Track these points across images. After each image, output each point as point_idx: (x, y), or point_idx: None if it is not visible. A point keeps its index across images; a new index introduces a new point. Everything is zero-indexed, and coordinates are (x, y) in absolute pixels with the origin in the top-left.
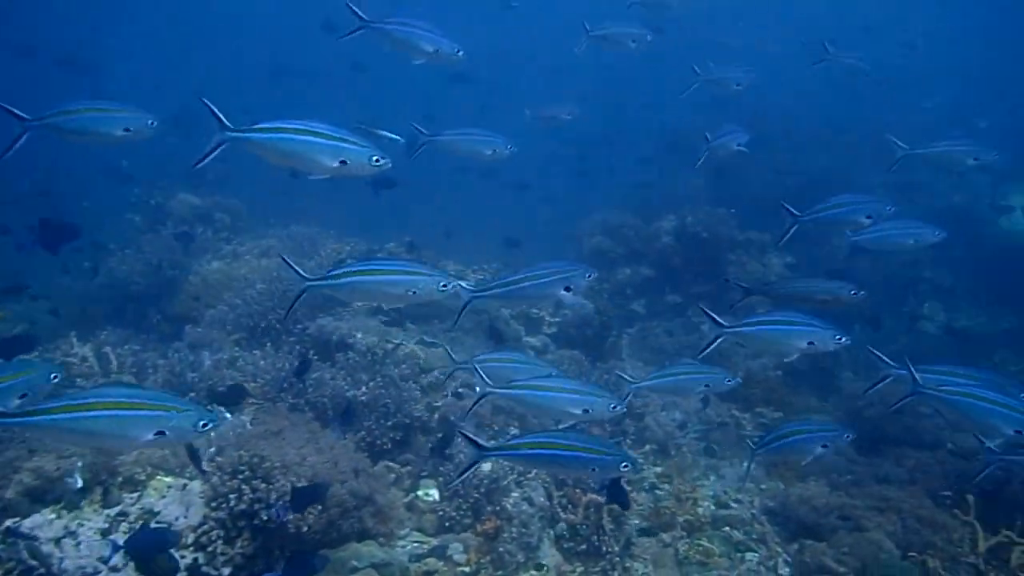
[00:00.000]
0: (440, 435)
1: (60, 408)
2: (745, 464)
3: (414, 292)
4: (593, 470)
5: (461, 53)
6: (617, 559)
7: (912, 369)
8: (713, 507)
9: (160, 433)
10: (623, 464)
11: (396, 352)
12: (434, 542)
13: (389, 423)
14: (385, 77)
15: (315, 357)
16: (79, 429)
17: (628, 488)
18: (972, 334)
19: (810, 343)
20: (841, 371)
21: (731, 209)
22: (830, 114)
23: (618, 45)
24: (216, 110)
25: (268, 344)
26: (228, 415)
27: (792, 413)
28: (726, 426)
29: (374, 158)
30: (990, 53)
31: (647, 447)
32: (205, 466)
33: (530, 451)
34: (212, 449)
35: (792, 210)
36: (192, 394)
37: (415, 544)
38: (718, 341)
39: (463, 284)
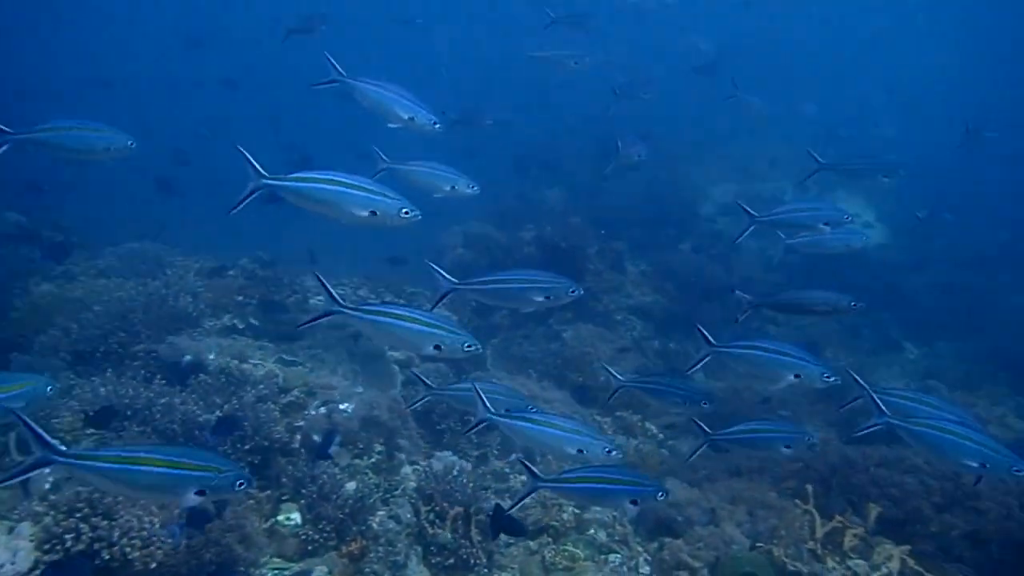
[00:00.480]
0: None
1: (115, 458)
2: (694, 448)
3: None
4: (634, 502)
5: (438, 125)
6: (485, 571)
7: (876, 398)
8: (577, 510)
9: (201, 492)
10: (659, 494)
11: (254, 372)
12: (296, 567)
13: (246, 447)
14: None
15: (163, 382)
16: (128, 481)
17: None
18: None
19: (797, 376)
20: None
21: (603, 224)
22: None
23: (559, 67)
24: (251, 157)
25: (109, 370)
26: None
27: (651, 415)
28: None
29: (403, 210)
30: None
31: (513, 456)
32: (37, 506)
33: (579, 485)
34: (47, 486)
35: (749, 210)
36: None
37: (275, 572)
38: (707, 359)
39: (444, 273)
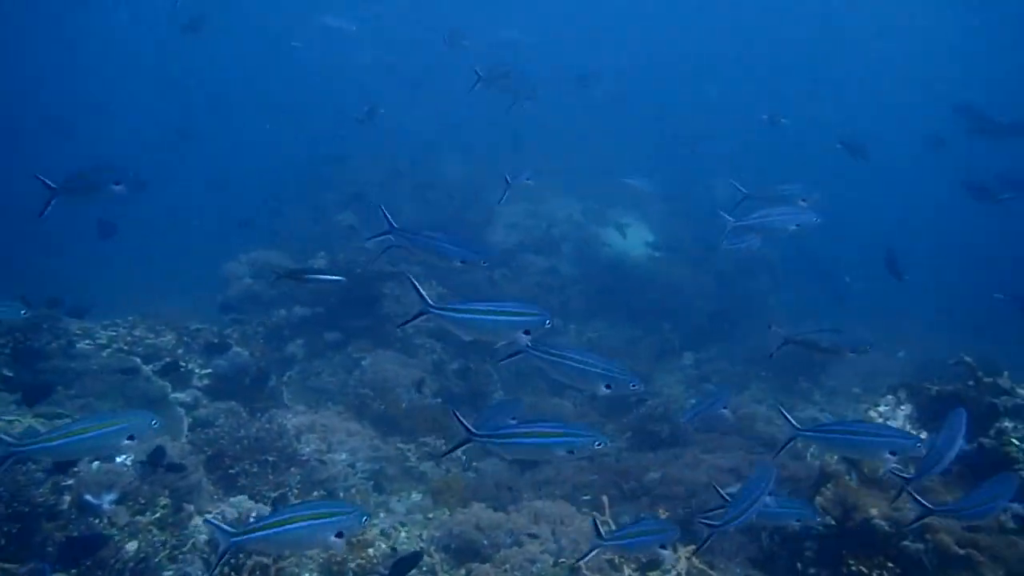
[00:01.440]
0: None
1: (273, 523)
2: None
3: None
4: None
5: (486, 263)
6: None
7: (788, 415)
8: (384, 546)
9: (339, 535)
10: (596, 443)
11: (9, 431)
12: None
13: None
14: None
15: None
16: (289, 540)
17: None
18: (602, 344)
19: (892, 452)
20: (494, 390)
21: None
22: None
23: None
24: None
25: None
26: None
27: (451, 438)
28: (391, 460)
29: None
30: None
31: (315, 494)
32: None
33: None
34: None
35: (727, 217)
36: None
37: None
38: (792, 442)
39: (424, 294)
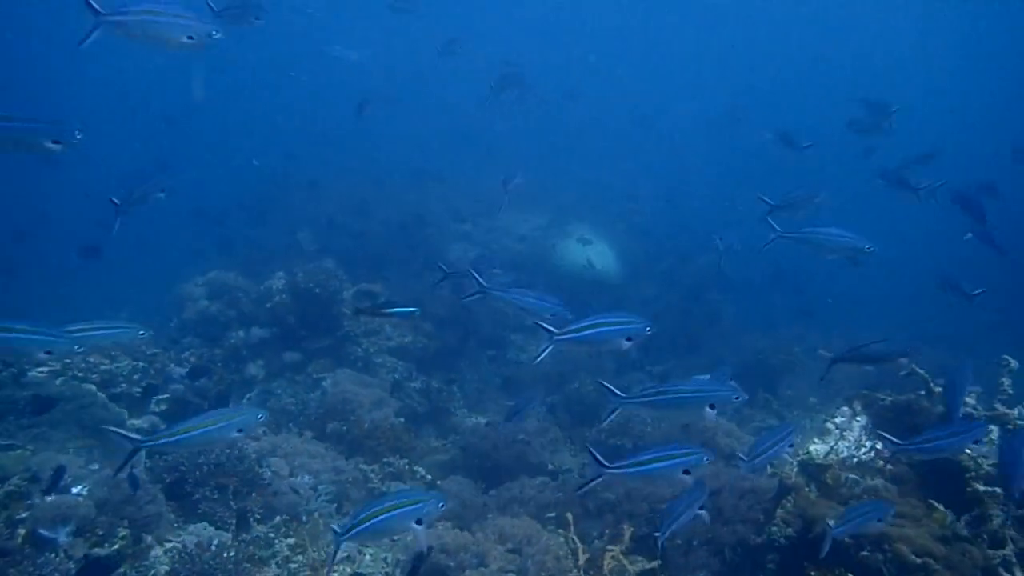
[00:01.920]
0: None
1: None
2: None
3: None
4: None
5: (555, 314)
6: None
7: (609, 386)
8: (348, 570)
9: (419, 521)
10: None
11: None
12: None
13: None
14: None
15: None
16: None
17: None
18: (566, 358)
19: (711, 406)
20: (456, 408)
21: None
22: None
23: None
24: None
25: None
26: None
27: (417, 456)
28: (355, 482)
29: None
30: None
31: (277, 518)
32: None
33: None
34: None
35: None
36: None
37: None
38: (616, 412)
39: (546, 326)
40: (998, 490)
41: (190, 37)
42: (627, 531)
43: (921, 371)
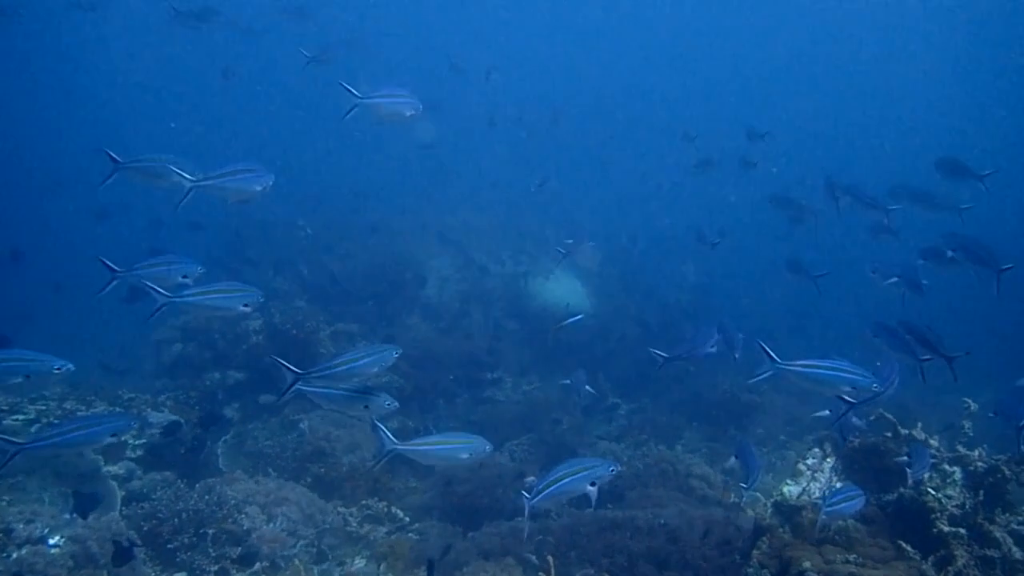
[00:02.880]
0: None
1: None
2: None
3: None
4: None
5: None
6: None
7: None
8: None
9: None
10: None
11: None
12: None
13: None
14: None
15: None
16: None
17: None
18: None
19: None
20: None
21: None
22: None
23: None
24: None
25: None
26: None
27: (395, 498)
28: (333, 527)
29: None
30: None
31: (257, 565)
32: None
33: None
34: None
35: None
36: None
37: None
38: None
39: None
40: (963, 531)
41: (413, 111)
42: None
43: (889, 415)
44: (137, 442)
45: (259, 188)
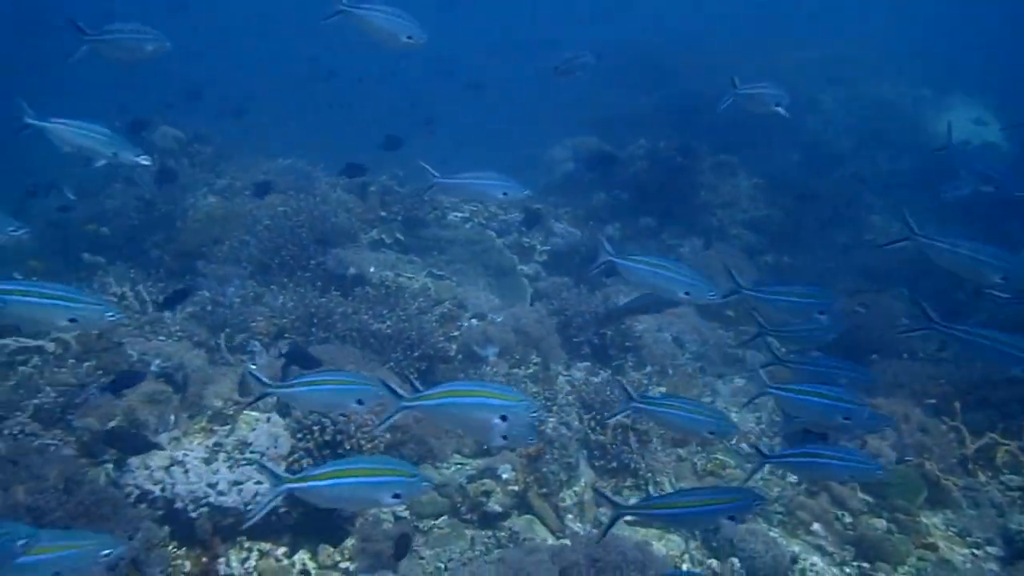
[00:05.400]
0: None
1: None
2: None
3: None
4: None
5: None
6: (649, 474)
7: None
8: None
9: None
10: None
11: (410, 285)
12: (479, 463)
13: (416, 354)
14: None
15: (337, 293)
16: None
17: None
18: None
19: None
20: None
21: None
22: None
23: None
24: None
25: (286, 279)
26: None
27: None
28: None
29: None
30: None
31: (648, 368)
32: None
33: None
34: None
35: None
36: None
37: (458, 467)
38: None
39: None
40: None
41: (409, 37)
42: None
43: None
44: (543, 247)
45: (151, 48)
